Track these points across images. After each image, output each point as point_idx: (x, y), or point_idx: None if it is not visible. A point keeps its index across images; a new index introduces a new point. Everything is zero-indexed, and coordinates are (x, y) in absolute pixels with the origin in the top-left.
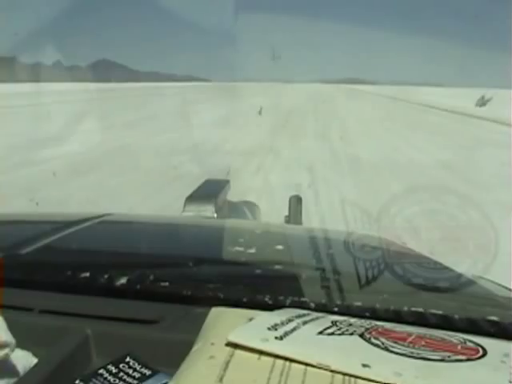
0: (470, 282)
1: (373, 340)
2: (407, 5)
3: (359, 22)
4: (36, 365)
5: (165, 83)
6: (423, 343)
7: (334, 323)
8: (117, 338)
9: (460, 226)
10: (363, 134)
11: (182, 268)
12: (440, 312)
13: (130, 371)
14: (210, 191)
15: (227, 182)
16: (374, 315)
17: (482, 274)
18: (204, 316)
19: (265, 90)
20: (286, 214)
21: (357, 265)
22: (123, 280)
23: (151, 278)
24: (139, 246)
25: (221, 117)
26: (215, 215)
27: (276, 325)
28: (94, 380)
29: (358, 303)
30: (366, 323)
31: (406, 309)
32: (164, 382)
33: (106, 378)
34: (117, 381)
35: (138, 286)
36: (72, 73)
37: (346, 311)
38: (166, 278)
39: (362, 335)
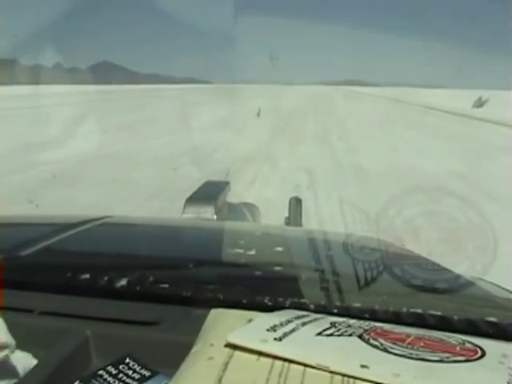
0: (469, 284)
1: (372, 341)
2: (407, 6)
3: (359, 23)
4: (36, 366)
5: (165, 85)
6: (422, 344)
7: (333, 324)
8: (116, 339)
9: (459, 227)
10: (364, 137)
11: (181, 270)
12: (439, 313)
13: (130, 372)
14: (209, 193)
15: (227, 183)
16: (373, 316)
17: (480, 276)
18: (203, 317)
19: (265, 92)
20: (286, 215)
21: (356, 266)
22: (123, 281)
23: (151, 279)
24: (139, 247)
25: (220, 119)
26: (215, 217)
27: (275, 326)
28: (93, 381)
29: (357, 304)
30: (365, 324)
31: (404, 310)
32: (163, 383)
33: (105, 379)
34: (116, 382)
35: (138, 288)
36: (72, 75)
37: (345, 312)
38: (165, 280)
39: (360, 336)
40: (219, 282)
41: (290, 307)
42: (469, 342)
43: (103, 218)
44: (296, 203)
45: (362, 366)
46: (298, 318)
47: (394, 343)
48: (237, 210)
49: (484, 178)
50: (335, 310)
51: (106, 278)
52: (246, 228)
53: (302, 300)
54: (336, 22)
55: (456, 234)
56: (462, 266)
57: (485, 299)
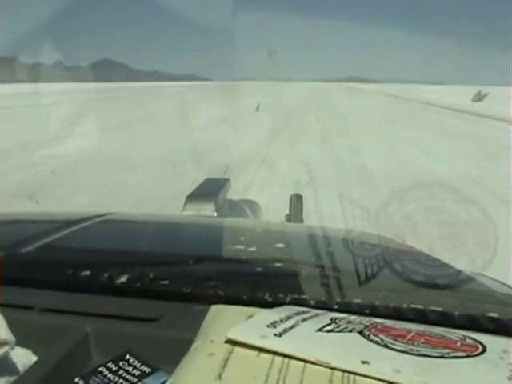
0: (470, 279)
1: (372, 337)
2: (407, 2)
3: (360, 19)
4: (36, 363)
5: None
6: (423, 340)
7: (333, 320)
8: (117, 335)
9: (460, 222)
10: (364, 133)
11: (181, 266)
12: (439, 309)
13: (130, 369)
14: (210, 190)
15: (227, 180)
16: (374, 312)
17: (481, 271)
18: (204, 314)
19: (264, 89)
20: (287, 212)
21: (356, 262)
22: (123, 278)
23: (151, 276)
24: (139, 244)
25: (220, 116)
26: (215, 214)
27: (275, 322)
28: (93, 378)
29: (358, 300)
30: (366, 320)
31: (405, 306)
32: (163, 379)
33: (105, 376)
34: (116, 378)
35: (138, 284)
36: (73, 73)
37: (346, 308)
38: (166, 276)
39: (361, 332)
40: (219, 278)
41: (290, 303)
42: (469, 338)
43: (105, 214)
44: (297, 200)
45: (363, 362)
46: (298, 314)
47: (395, 339)
48: (237, 207)
49: (484, 174)
50: (335, 306)
51: (106, 275)
52: (246, 224)
53: (303, 296)
54: (336, 18)
55: (456, 229)
56: (462, 261)
57: (485, 295)
